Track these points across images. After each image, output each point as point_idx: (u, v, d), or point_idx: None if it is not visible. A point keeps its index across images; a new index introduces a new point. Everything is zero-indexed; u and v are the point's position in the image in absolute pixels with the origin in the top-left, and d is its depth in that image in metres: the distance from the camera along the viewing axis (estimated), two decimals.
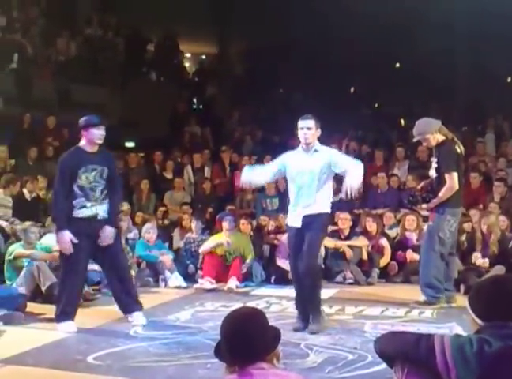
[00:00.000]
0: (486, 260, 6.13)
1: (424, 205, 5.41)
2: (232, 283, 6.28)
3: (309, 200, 4.48)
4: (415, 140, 5.62)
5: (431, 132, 5.23)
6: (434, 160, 5.32)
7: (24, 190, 7.98)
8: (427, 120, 5.40)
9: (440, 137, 5.27)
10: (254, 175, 4.82)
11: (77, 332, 4.55)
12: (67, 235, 4.48)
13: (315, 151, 4.55)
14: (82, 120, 4.69)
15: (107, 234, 4.61)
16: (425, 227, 7.12)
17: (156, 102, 12.10)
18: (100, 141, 4.65)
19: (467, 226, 6.78)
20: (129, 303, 4.81)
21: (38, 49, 11.19)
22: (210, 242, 6.64)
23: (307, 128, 4.50)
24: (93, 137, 4.60)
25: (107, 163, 4.70)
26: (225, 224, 6.61)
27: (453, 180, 5.13)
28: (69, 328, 4.57)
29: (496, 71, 13.61)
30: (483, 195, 7.92)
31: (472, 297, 2.01)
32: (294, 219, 4.56)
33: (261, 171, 4.87)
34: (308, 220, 4.47)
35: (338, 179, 4.91)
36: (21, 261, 5.78)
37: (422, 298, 5.34)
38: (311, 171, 4.49)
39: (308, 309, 4.54)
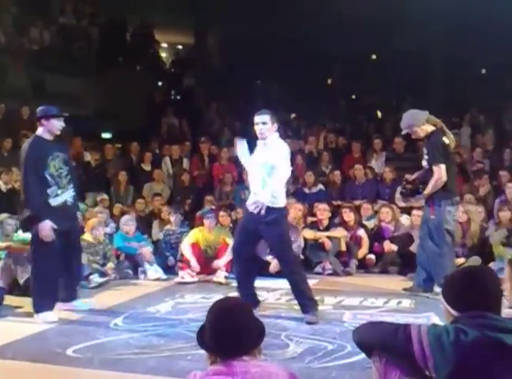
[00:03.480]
0: (461, 260, 6.18)
1: (419, 196, 5.40)
2: (221, 275, 6.27)
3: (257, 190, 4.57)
4: (403, 132, 5.61)
5: (418, 124, 5.24)
6: (425, 152, 5.35)
7: (0, 182, 7.86)
8: (413, 112, 5.39)
9: (429, 128, 5.27)
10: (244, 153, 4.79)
11: (56, 324, 4.51)
12: (48, 224, 4.48)
13: (265, 144, 4.61)
14: (40, 110, 4.73)
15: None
16: (402, 218, 7.27)
17: (133, 92, 11.99)
18: (59, 132, 4.73)
19: None
20: (74, 290, 4.94)
21: (11, 38, 10.97)
22: (189, 240, 6.59)
23: (262, 122, 4.56)
24: (53, 128, 4.68)
25: (65, 149, 4.87)
26: (206, 222, 6.60)
27: (440, 171, 5.14)
28: (48, 318, 4.56)
29: (471, 63, 13.79)
30: (459, 186, 8.04)
31: (446, 288, 2.04)
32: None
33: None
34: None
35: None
36: None
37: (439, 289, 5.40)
38: (260, 164, 4.57)
39: (301, 300, 4.62)
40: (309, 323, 4.45)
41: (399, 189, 7.71)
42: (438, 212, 5.20)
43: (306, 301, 4.59)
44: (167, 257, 6.90)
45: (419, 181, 5.37)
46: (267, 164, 4.54)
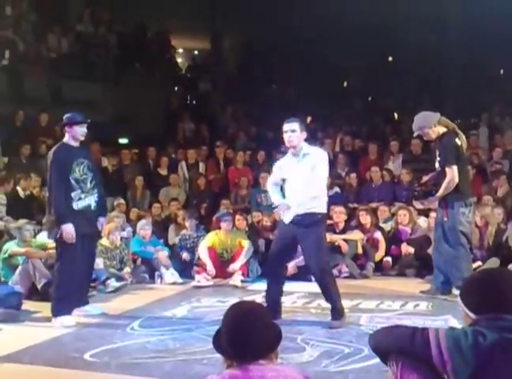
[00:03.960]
0: (477, 263, 6.11)
1: (432, 198, 5.33)
2: (237, 278, 6.27)
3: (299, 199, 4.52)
4: (415, 134, 5.60)
5: (429, 126, 5.22)
6: (437, 153, 5.32)
7: (18, 188, 7.96)
8: (425, 114, 5.38)
9: (441, 129, 5.24)
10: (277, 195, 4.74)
11: (73, 329, 4.54)
12: (71, 226, 4.60)
13: (304, 155, 4.56)
14: (65, 117, 4.87)
15: (102, 223, 4.94)
16: (419, 220, 7.20)
17: (149, 98, 12.07)
18: (83, 138, 4.88)
19: None
20: (85, 296, 5.01)
21: (29, 45, 11.12)
22: (206, 243, 6.60)
23: (291, 130, 4.52)
24: (76, 134, 4.81)
25: (89, 156, 5.02)
26: (224, 225, 6.61)
27: (452, 173, 5.10)
28: (66, 322, 4.61)
29: (489, 64, 13.64)
30: (477, 188, 7.95)
31: (464, 291, 2.01)
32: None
33: (276, 190, 4.78)
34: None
35: None
36: (16, 259, 5.77)
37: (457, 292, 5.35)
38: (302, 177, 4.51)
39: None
40: (331, 328, 4.42)
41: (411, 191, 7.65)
42: (451, 214, 5.17)
43: (333, 306, 4.56)
44: (182, 253, 6.88)
45: (431, 183, 5.34)
46: (310, 172, 4.49)
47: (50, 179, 4.71)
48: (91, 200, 4.78)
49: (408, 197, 7.84)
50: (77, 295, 4.82)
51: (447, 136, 5.21)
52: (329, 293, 4.55)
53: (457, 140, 5.22)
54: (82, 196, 4.72)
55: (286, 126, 4.55)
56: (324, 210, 4.62)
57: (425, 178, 5.55)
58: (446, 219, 5.20)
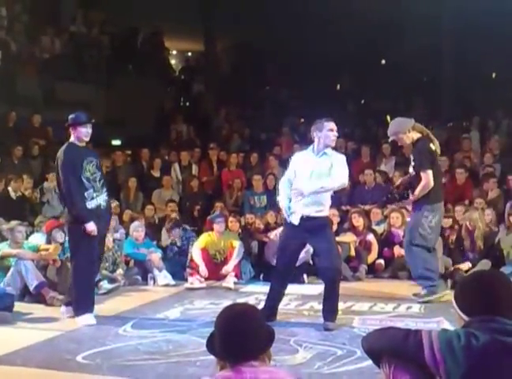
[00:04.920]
0: (467, 264, 6.21)
1: (406, 201, 5.55)
2: (230, 280, 6.27)
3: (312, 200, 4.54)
4: (390, 140, 5.80)
5: (403, 131, 5.35)
6: (411, 158, 5.46)
7: (9, 189, 7.92)
8: (399, 120, 5.53)
9: (415, 135, 5.38)
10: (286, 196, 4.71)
11: (65, 331, 4.52)
12: (93, 225, 4.61)
13: (324, 153, 4.60)
14: (70, 118, 4.85)
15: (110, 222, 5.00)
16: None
17: (142, 99, 12.04)
18: (87, 138, 4.86)
19: (446, 221, 6.87)
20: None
21: (22, 46, 11.07)
22: (199, 245, 6.60)
23: (336, 131, 4.57)
24: (80, 135, 4.81)
25: (96, 155, 5.04)
26: (217, 227, 6.60)
27: (427, 178, 5.24)
28: (88, 320, 4.65)
29: (482, 67, 13.72)
30: (468, 191, 8.00)
31: (457, 294, 2.02)
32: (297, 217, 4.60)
33: (287, 186, 4.74)
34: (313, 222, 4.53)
35: None
36: (8, 261, 5.73)
37: (423, 291, 5.44)
38: (318, 173, 4.55)
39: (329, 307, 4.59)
40: (328, 329, 4.42)
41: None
42: (415, 216, 5.38)
43: (333, 308, 4.57)
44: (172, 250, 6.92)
45: (404, 187, 5.46)
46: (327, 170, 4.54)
47: (66, 179, 4.70)
48: (101, 200, 4.80)
49: (385, 200, 7.91)
50: (92, 294, 4.85)
51: (422, 142, 5.34)
52: (336, 294, 4.56)
53: (431, 145, 5.37)
54: (94, 195, 4.74)
55: (333, 125, 4.57)
56: (327, 213, 4.70)
57: (397, 183, 5.70)
58: (409, 219, 5.46)
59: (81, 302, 4.72)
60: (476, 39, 12.83)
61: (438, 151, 5.47)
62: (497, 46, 12.21)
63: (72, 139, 4.84)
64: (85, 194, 4.69)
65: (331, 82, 15.24)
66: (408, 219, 7.17)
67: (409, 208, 5.87)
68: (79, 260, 4.72)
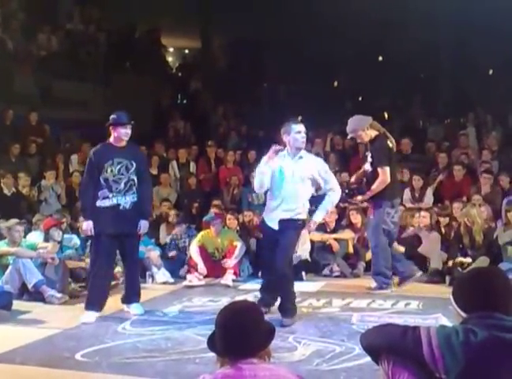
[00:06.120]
0: (467, 259, 6.21)
1: (359, 197, 5.71)
2: (229, 278, 6.27)
3: (291, 205, 4.57)
4: (348, 137, 5.96)
5: (362, 128, 5.49)
6: (368, 155, 5.60)
7: (2, 185, 7.91)
8: (358, 117, 5.65)
9: (373, 133, 5.53)
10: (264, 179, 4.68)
11: (64, 329, 4.53)
12: (87, 224, 4.80)
13: (300, 157, 4.62)
14: (111, 117, 4.93)
15: (141, 226, 4.91)
16: (409, 220, 7.24)
17: (140, 97, 12.01)
18: (126, 138, 4.92)
19: (443, 220, 6.88)
20: (129, 294, 5.04)
21: (18, 44, 11.04)
22: (197, 242, 6.60)
23: (305, 132, 4.61)
24: (119, 135, 4.89)
25: (134, 157, 4.96)
26: (213, 229, 6.60)
27: (385, 174, 5.42)
28: (84, 318, 4.74)
29: (479, 64, 13.72)
30: (466, 187, 8.00)
31: (455, 290, 2.03)
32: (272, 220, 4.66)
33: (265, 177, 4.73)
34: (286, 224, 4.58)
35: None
36: (6, 259, 5.73)
37: (373, 285, 5.69)
38: (299, 177, 4.58)
39: (282, 302, 4.65)
40: (285, 326, 4.42)
41: (406, 191, 7.72)
42: (377, 213, 5.52)
43: (285, 306, 4.62)
44: (169, 252, 6.93)
45: (359, 182, 5.62)
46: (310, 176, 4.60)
47: (83, 178, 5.04)
48: (121, 200, 4.81)
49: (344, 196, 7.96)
50: (102, 293, 4.87)
51: (379, 139, 5.51)
52: (283, 291, 4.65)
53: (388, 142, 5.53)
54: (110, 195, 4.79)
55: (300, 127, 4.60)
56: (305, 216, 4.73)
57: (352, 179, 5.86)
58: (372, 217, 5.54)
59: (87, 298, 4.89)
60: (474, 36, 12.84)
61: (394, 148, 5.69)
62: (494, 43, 12.21)
63: (111, 139, 4.93)
64: (98, 193, 4.81)
65: (329, 79, 15.24)
66: (410, 217, 7.25)
67: (365, 202, 6.00)
68: (90, 258, 5.06)
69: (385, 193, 5.45)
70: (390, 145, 5.56)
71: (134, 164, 4.88)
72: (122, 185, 4.83)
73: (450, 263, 6.26)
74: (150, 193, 5.33)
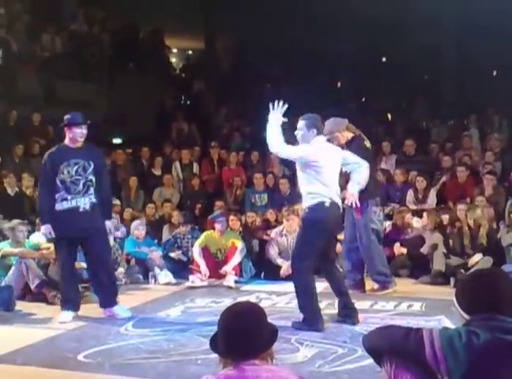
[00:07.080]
0: (477, 256, 6.17)
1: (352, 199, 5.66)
2: (231, 279, 6.27)
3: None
4: (325, 139, 5.92)
5: (338, 130, 5.50)
6: None
7: (5, 185, 7.93)
8: (334, 119, 5.65)
9: (349, 135, 5.58)
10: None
11: (66, 329, 4.53)
12: (45, 228, 4.79)
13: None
14: (65, 118, 4.85)
15: (108, 227, 4.94)
16: (412, 221, 7.23)
17: (143, 98, 12.04)
18: (81, 139, 4.84)
19: (445, 218, 6.86)
20: (106, 298, 4.95)
21: (23, 45, 11.07)
22: (199, 243, 6.60)
23: (299, 128, 4.75)
24: (75, 135, 4.81)
25: (92, 157, 4.87)
26: (218, 226, 6.59)
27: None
28: (60, 317, 4.74)
29: (483, 65, 13.70)
30: (470, 189, 7.99)
31: (458, 292, 2.03)
32: None
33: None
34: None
35: None
36: (10, 260, 5.74)
37: (375, 286, 5.68)
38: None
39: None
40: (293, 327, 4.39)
41: (410, 192, 7.70)
42: (365, 214, 5.53)
43: (300, 306, 4.56)
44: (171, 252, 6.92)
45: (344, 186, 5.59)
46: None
47: (39, 181, 4.92)
48: (80, 202, 4.74)
49: (402, 198, 7.93)
50: (70, 294, 4.85)
51: (356, 141, 5.56)
52: (298, 289, 4.57)
53: (365, 143, 5.60)
54: (68, 197, 4.73)
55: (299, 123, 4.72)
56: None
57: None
58: (359, 217, 5.52)
59: (61, 298, 4.93)
60: (477, 37, 12.81)
61: (371, 149, 5.79)
62: (497, 44, 12.19)
63: (66, 140, 4.86)
64: (56, 196, 4.73)
65: (332, 80, 15.23)
66: (414, 218, 7.23)
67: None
68: (56, 259, 5.07)
69: (367, 192, 5.36)
70: (367, 145, 5.63)
71: (92, 164, 4.81)
72: (81, 186, 4.76)
73: (453, 264, 6.23)
74: (109, 193, 5.20)
